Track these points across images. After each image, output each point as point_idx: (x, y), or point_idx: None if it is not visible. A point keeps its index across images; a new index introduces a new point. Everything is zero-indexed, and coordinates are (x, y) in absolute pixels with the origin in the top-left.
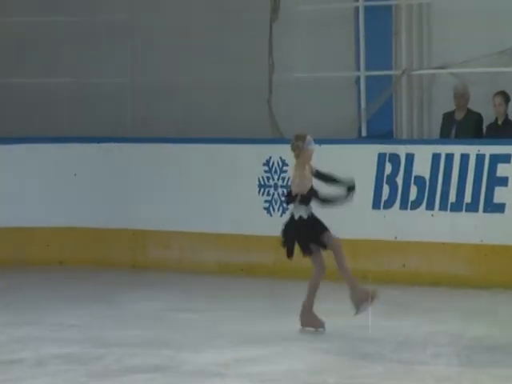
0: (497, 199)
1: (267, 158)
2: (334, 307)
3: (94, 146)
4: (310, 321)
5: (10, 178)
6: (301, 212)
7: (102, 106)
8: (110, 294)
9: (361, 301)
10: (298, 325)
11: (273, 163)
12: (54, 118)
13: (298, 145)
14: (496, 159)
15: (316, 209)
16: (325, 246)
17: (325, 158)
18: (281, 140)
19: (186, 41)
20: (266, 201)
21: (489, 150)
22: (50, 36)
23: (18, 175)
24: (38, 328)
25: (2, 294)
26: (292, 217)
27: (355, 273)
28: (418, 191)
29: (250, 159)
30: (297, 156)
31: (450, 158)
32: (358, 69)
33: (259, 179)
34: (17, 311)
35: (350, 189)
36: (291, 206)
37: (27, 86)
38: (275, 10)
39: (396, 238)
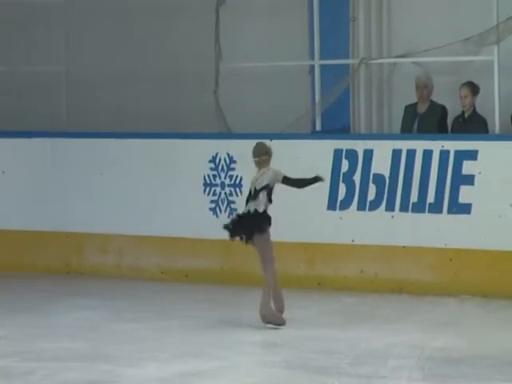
0: (462, 199)
1: (213, 154)
2: (284, 316)
3: (25, 140)
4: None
5: None
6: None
7: (33, 96)
8: (41, 303)
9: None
10: (247, 335)
11: (219, 160)
12: None
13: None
14: (461, 156)
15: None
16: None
17: (276, 154)
18: (228, 135)
19: (125, 26)
20: (212, 201)
21: (454, 145)
22: None
23: None
24: None
25: None
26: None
27: (309, 279)
28: (377, 190)
29: (194, 156)
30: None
31: (411, 154)
32: (312, 58)
33: (205, 177)
34: None
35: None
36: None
37: None
38: None
39: (353, 241)
